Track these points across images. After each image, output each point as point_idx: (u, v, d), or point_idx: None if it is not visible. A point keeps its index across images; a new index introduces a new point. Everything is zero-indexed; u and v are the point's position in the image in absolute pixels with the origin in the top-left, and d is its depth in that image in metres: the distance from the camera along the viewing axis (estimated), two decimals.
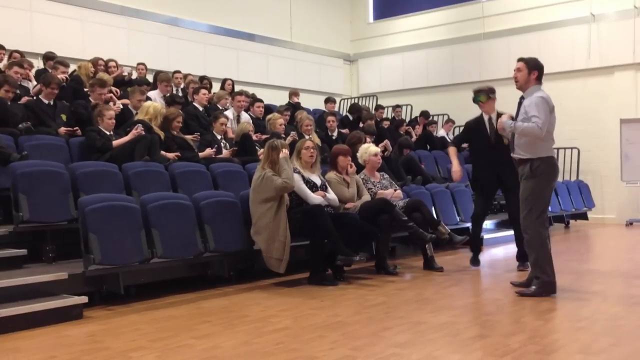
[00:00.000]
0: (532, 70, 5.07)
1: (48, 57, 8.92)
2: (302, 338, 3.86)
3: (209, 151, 7.35)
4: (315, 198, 5.92)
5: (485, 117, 6.37)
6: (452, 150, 6.73)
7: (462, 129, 6.95)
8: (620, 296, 5.09)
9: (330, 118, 9.77)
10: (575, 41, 12.25)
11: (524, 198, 5.07)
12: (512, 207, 6.08)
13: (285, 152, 5.75)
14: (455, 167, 6.53)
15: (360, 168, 6.94)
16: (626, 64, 11.81)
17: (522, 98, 5.12)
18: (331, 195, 6.14)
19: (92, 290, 4.93)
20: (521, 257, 6.30)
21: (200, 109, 8.62)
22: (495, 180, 6.32)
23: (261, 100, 9.80)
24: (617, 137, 11.64)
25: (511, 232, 9.09)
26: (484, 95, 6.34)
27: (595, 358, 3.35)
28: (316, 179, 6.14)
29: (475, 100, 6.39)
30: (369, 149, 6.92)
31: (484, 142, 6.36)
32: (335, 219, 5.75)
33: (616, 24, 11.96)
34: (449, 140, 12.41)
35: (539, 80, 5.10)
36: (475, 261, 6.65)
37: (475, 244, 6.75)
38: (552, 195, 5.21)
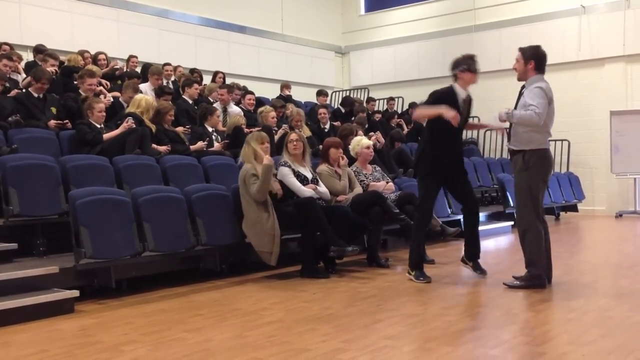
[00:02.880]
0: (529, 60, 5.00)
1: (38, 50, 8.86)
2: (294, 331, 3.87)
3: (200, 144, 7.33)
4: (305, 191, 5.91)
5: (461, 92, 5.36)
6: (421, 107, 5.51)
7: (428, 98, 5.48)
8: (610, 288, 5.13)
9: (321, 111, 9.76)
10: (566, 33, 12.28)
11: (517, 191, 5.08)
12: (472, 196, 5.64)
13: (268, 159, 5.64)
14: (449, 111, 5.08)
15: (352, 160, 6.94)
16: (616, 56, 11.85)
17: (522, 88, 5.07)
18: (322, 188, 6.13)
19: (84, 284, 4.91)
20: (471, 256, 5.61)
21: (190, 102, 8.59)
22: (455, 169, 5.47)
23: (252, 93, 9.78)
24: (607, 129, 11.69)
25: (500, 224, 9.24)
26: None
27: (586, 349, 3.38)
28: (307, 172, 6.13)
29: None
30: (361, 142, 6.92)
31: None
32: (326, 212, 5.76)
33: (606, 15, 12.00)
34: None
35: (537, 70, 5.00)
36: (425, 276, 5.44)
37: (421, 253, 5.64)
38: (545, 187, 5.12)
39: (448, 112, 5.06)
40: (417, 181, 5.57)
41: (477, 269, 5.58)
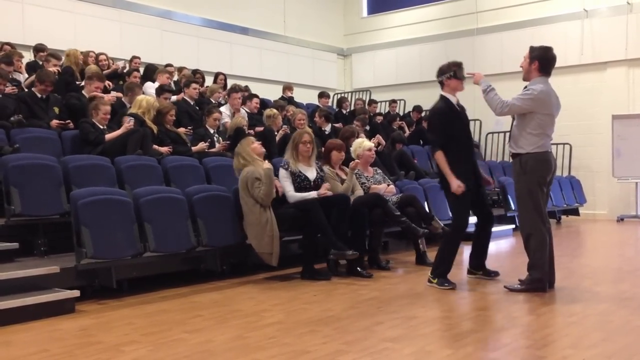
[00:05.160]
0: (533, 61, 4.96)
1: (39, 49, 8.88)
2: (295, 332, 3.87)
3: (201, 145, 7.33)
4: (292, 197, 5.89)
5: (452, 99, 5.29)
6: (441, 157, 5.12)
7: (429, 120, 5.56)
8: (611, 292, 5.12)
9: (316, 114, 9.78)
10: (568, 37, 12.28)
11: (518, 195, 5.06)
12: (488, 206, 5.57)
13: (268, 164, 5.69)
14: (456, 181, 5.05)
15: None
16: (618, 60, 11.85)
17: (524, 89, 5.01)
18: (320, 191, 6.11)
19: (85, 284, 4.92)
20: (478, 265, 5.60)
21: (192, 102, 8.60)
22: (475, 176, 5.33)
23: (257, 96, 9.79)
24: (609, 133, 11.69)
25: (501, 228, 9.23)
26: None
27: (586, 353, 3.37)
28: (310, 173, 6.10)
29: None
30: (363, 144, 6.91)
31: (463, 130, 5.31)
32: (326, 202, 5.76)
33: (609, 19, 12.00)
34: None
35: (542, 71, 4.95)
36: (450, 282, 5.26)
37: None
38: (547, 190, 5.07)
39: (454, 185, 5.03)
40: (447, 196, 5.33)
41: (489, 273, 5.57)
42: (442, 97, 5.32)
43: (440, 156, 5.12)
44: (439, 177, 5.38)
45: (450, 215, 5.41)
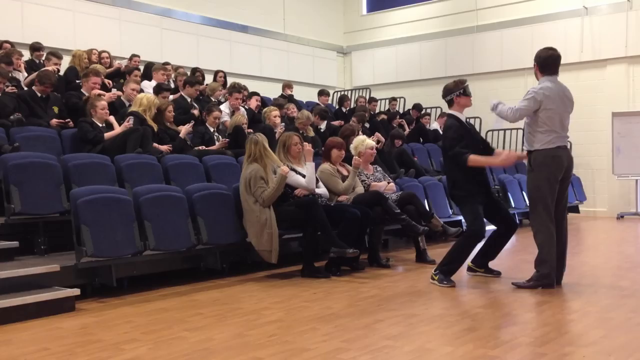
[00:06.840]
0: (534, 63, 5.16)
1: (35, 47, 8.86)
2: (295, 330, 3.87)
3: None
4: (309, 182, 5.94)
5: (461, 116, 5.33)
6: (476, 158, 5.10)
7: (445, 139, 5.40)
8: (611, 289, 5.12)
9: (312, 112, 9.77)
10: (568, 34, 12.26)
11: (528, 192, 5.16)
12: (511, 215, 5.61)
13: (285, 170, 5.66)
14: (500, 156, 5.24)
15: (351, 160, 6.92)
16: (618, 58, 11.83)
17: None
18: (321, 189, 6.19)
19: (85, 282, 4.93)
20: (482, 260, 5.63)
21: (189, 100, 8.59)
22: (488, 187, 5.40)
23: (257, 94, 9.79)
24: (609, 131, 11.69)
25: None
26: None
27: (586, 350, 3.38)
28: (304, 171, 6.09)
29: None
30: (364, 142, 6.90)
31: (475, 143, 5.32)
32: (334, 212, 5.79)
33: (609, 17, 11.98)
34: (442, 133, 12.40)
35: (543, 71, 5.09)
36: (450, 280, 5.28)
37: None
38: (564, 186, 5.05)
39: (503, 156, 5.25)
40: (460, 206, 5.35)
41: (491, 272, 5.61)
42: (451, 115, 5.35)
43: (474, 158, 5.07)
44: (451, 189, 5.35)
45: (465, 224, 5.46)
